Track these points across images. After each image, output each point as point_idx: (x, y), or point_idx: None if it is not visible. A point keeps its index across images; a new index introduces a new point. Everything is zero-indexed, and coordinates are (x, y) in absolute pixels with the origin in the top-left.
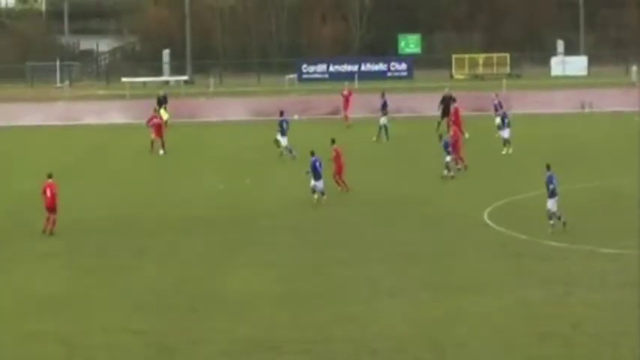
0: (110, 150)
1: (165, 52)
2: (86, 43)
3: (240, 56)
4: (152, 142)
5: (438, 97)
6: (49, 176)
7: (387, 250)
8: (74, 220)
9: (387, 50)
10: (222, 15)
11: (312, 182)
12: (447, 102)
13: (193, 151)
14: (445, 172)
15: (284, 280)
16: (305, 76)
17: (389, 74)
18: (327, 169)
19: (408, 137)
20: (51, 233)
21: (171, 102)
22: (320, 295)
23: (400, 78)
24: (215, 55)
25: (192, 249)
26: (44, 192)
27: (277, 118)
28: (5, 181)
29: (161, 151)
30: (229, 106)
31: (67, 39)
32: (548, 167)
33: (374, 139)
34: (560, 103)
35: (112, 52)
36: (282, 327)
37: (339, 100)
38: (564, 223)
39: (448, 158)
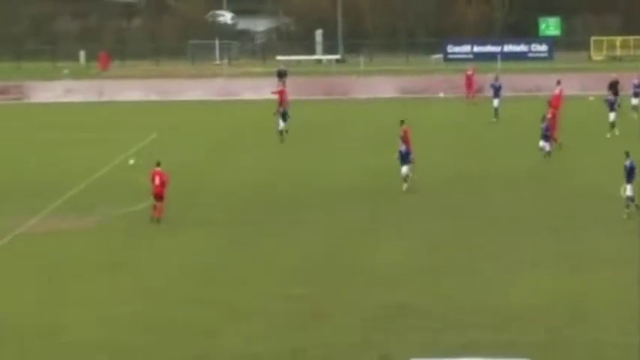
0: (266, 124)
1: (318, 32)
2: (244, 24)
3: (389, 36)
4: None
5: (576, 77)
6: (158, 164)
7: (527, 222)
8: (234, 193)
9: (528, 32)
10: None
11: (403, 169)
12: (614, 87)
13: (345, 126)
14: (547, 150)
15: (427, 251)
16: (450, 56)
17: (530, 55)
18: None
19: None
20: (158, 221)
21: (323, 80)
22: (461, 265)
23: (540, 59)
24: (365, 35)
25: (341, 220)
26: (152, 180)
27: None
28: (170, 153)
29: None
30: (379, 84)
31: (225, 19)
32: (627, 154)
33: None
34: None
35: (268, 32)
36: (426, 295)
37: (483, 79)
38: (637, 207)
39: (542, 143)
